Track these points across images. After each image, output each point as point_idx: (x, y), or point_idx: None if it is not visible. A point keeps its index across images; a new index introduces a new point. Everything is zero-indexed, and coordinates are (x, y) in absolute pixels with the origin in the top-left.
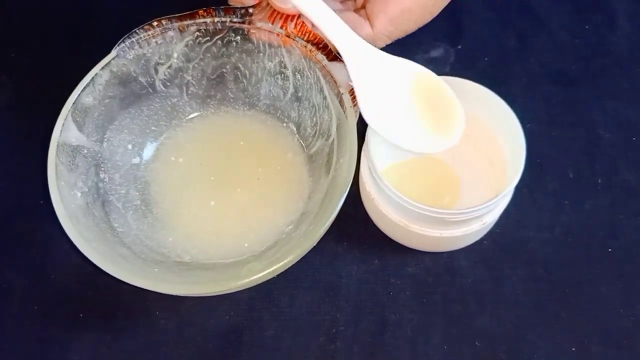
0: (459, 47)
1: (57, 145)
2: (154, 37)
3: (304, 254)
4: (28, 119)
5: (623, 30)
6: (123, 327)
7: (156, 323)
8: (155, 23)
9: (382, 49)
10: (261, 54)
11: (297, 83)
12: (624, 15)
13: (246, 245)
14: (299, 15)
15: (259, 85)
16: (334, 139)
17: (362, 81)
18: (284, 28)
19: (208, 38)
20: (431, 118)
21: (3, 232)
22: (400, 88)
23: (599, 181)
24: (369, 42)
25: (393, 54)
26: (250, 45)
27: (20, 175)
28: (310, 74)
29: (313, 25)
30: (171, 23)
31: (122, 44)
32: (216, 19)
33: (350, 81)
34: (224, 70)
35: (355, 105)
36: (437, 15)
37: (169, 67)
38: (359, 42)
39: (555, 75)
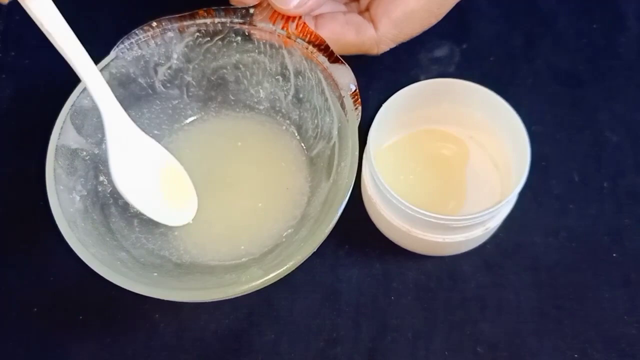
0: (464, 46)
1: (56, 149)
2: (153, 37)
3: (304, 260)
4: (29, 119)
5: (632, 31)
6: (122, 331)
7: (156, 327)
8: (154, 24)
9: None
10: (262, 55)
11: (298, 84)
12: (633, 16)
13: (243, 247)
14: (300, 17)
15: (259, 87)
16: (335, 142)
17: (118, 151)
18: (285, 29)
19: (208, 39)
20: (173, 197)
21: (3, 233)
22: (150, 166)
23: (605, 185)
24: (373, 45)
25: (397, 53)
26: (251, 46)
27: (21, 176)
28: (312, 75)
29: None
30: (171, 24)
31: (121, 45)
32: (216, 20)
33: (353, 84)
34: (224, 71)
35: (356, 108)
36: None
37: (169, 67)
38: (121, 114)
39: (562, 76)
